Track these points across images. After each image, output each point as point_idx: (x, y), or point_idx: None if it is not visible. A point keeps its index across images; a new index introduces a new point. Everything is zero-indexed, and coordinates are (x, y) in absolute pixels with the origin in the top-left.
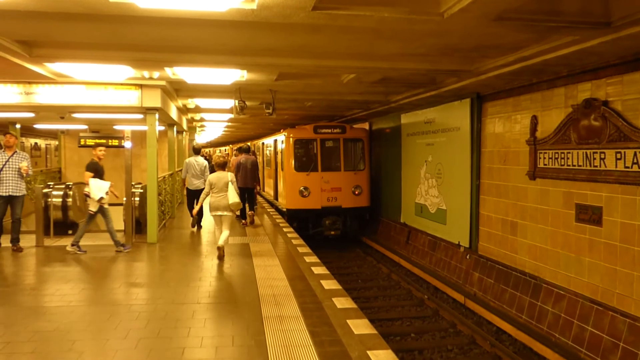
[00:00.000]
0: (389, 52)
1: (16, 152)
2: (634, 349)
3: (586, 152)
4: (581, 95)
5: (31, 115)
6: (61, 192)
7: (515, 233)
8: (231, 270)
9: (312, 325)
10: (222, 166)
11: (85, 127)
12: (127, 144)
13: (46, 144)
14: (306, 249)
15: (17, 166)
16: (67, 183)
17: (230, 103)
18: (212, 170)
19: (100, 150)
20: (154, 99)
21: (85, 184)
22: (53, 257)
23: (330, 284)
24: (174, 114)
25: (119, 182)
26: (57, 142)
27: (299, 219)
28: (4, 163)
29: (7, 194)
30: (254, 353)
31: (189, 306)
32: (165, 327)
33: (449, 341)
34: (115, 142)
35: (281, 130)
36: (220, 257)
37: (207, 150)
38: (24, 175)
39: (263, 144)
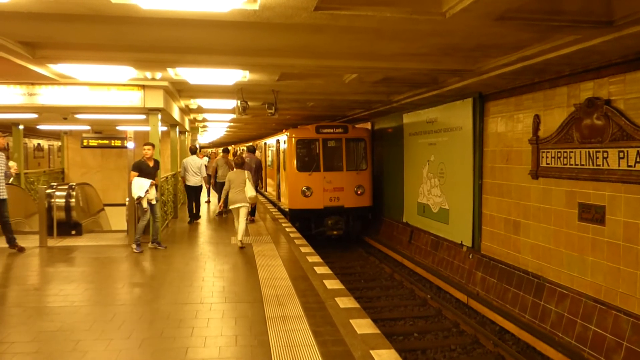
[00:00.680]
0: (390, 52)
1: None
2: (638, 348)
3: (589, 151)
4: (583, 95)
5: (34, 116)
6: (64, 193)
7: (518, 232)
8: (234, 270)
9: (315, 325)
10: (240, 165)
11: (88, 127)
12: (130, 145)
13: (49, 145)
14: (309, 249)
15: (2, 168)
16: (70, 183)
17: (232, 103)
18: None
19: (145, 149)
20: (156, 100)
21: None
22: (56, 258)
23: (333, 284)
24: (176, 114)
25: (121, 182)
26: (60, 143)
27: (302, 219)
28: None
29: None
30: (257, 353)
31: (192, 306)
32: (168, 327)
33: (452, 341)
34: (117, 143)
35: (283, 131)
36: (240, 245)
37: (210, 150)
38: (11, 177)
39: (265, 144)
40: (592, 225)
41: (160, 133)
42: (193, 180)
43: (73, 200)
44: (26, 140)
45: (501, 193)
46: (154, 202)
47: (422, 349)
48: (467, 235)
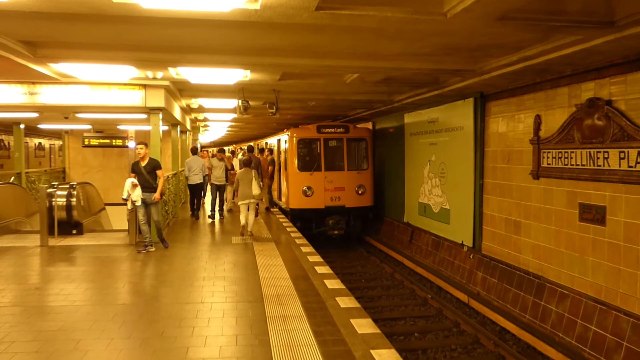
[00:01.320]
0: (392, 52)
1: None
2: (638, 349)
3: (590, 152)
4: (585, 95)
5: (35, 115)
6: (65, 192)
7: (519, 232)
8: (235, 270)
9: (316, 325)
10: (247, 164)
11: (89, 127)
12: (131, 144)
13: (50, 144)
14: (309, 249)
15: None
16: (71, 183)
17: (233, 103)
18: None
19: (138, 148)
20: (157, 99)
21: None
22: (57, 257)
23: (334, 284)
24: (177, 113)
25: (122, 181)
26: (61, 142)
27: (303, 219)
28: None
29: None
30: (258, 352)
31: (193, 305)
32: (169, 327)
33: (453, 340)
34: (119, 142)
35: (284, 130)
36: (250, 235)
37: (211, 149)
38: None
39: (266, 143)
40: (592, 226)
41: (161, 132)
42: (194, 179)
43: (74, 199)
44: (27, 139)
45: (502, 193)
46: (138, 202)
47: (423, 348)
48: (468, 235)
